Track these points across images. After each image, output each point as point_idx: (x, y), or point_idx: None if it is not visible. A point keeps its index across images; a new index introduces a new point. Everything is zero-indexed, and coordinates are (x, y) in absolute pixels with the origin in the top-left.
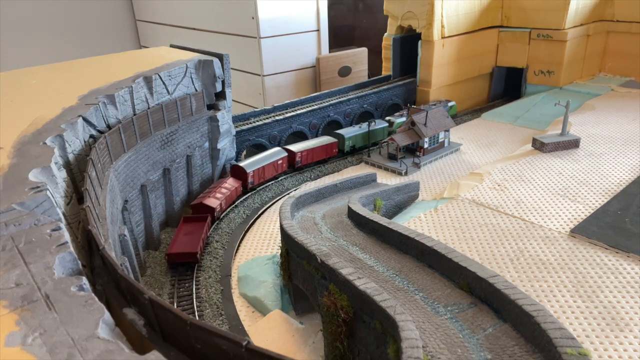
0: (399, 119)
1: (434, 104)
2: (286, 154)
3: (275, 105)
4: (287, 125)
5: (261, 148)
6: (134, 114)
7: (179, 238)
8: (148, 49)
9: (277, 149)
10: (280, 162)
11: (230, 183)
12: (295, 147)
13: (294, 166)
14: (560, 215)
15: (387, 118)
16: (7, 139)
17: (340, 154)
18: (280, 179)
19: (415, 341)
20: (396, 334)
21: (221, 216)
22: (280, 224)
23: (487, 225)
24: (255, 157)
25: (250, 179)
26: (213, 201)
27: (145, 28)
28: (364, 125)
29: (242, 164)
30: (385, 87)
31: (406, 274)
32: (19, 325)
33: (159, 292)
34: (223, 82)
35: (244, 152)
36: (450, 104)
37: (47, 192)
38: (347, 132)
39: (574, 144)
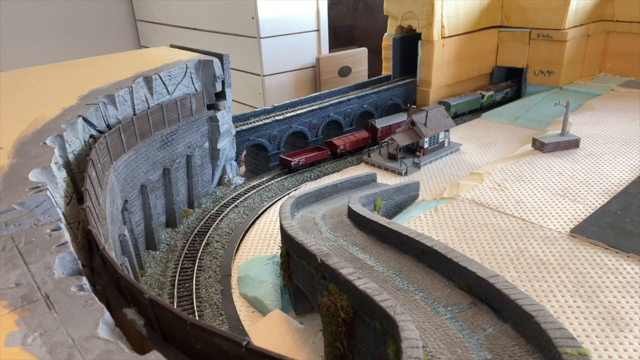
0: (488, 93)
1: (505, 84)
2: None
3: (275, 105)
4: (287, 125)
5: (261, 148)
6: (134, 114)
7: (297, 153)
8: (148, 49)
9: (401, 113)
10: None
11: (361, 134)
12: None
13: None
14: (560, 215)
15: (479, 92)
16: (7, 139)
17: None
18: (280, 179)
19: (415, 341)
20: (396, 334)
21: (344, 153)
22: (280, 224)
23: (487, 225)
24: (384, 118)
25: (379, 134)
26: (339, 141)
27: (145, 28)
28: (462, 95)
29: (374, 121)
30: (385, 87)
31: (406, 274)
32: (19, 325)
33: (159, 292)
34: (223, 82)
35: (244, 152)
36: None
37: (47, 192)
38: (452, 101)
39: (574, 144)
